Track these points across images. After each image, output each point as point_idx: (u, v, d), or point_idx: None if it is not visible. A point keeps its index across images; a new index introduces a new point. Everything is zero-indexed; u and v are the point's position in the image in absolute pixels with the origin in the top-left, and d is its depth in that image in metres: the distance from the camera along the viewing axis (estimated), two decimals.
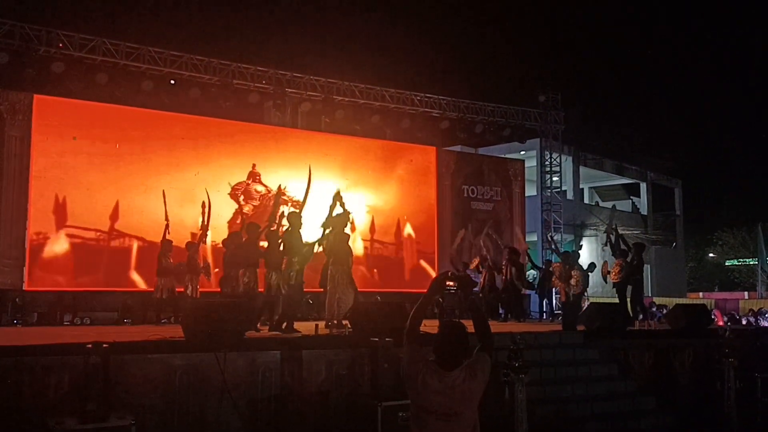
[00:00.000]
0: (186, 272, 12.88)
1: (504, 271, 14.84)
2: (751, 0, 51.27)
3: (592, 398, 9.28)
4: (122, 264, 13.95)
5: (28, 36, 13.64)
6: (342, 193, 11.37)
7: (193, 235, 13.63)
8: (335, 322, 10.07)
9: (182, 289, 12.82)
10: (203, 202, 13.44)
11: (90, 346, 6.07)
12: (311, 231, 10.87)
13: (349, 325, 9.39)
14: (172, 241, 12.90)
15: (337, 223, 10.56)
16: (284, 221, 10.83)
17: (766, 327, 17.33)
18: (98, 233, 13.80)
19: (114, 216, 13.93)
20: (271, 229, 11.02)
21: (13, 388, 6.50)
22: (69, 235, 13.55)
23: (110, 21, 28.94)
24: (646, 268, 14.60)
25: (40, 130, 13.40)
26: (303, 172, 15.27)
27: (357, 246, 16.47)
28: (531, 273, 17.22)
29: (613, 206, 29.06)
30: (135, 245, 14.07)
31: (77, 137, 13.76)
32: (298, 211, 11.07)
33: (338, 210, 10.96)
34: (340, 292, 10.19)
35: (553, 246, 18.51)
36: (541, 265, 16.36)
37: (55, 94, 13.89)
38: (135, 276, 14.02)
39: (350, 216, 11.63)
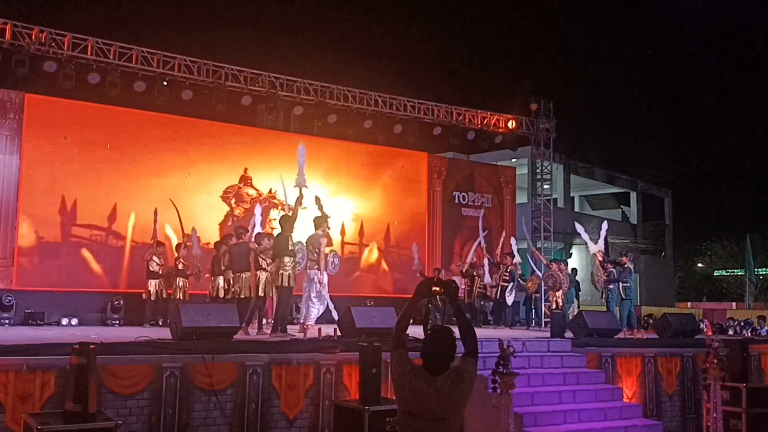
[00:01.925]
0: (175, 275, 12.88)
1: (499, 274, 15.04)
2: (742, 12, 51.68)
3: (579, 406, 9.30)
4: (111, 264, 13.88)
5: (20, 34, 13.56)
6: (333, 198, 11.48)
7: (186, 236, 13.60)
8: (305, 325, 10.14)
9: (171, 292, 12.84)
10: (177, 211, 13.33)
11: (77, 346, 6.05)
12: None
13: (320, 330, 9.60)
14: (164, 244, 12.86)
15: (314, 225, 10.60)
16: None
17: (752, 337, 17.41)
18: (88, 233, 13.74)
19: (103, 216, 13.88)
20: (260, 231, 11.06)
21: None
22: (58, 235, 13.47)
23: (103, 21, 28.87)
24: (635, 277, 14.71)
25: (30, 130, 13.32)
26: (294, 176, 15.33)
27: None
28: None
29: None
30: (124, 246, 14.01)
31: (68, 137, 13.70)
32: (290, 214, 11.08)
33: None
34: (311, 293, 10.24)
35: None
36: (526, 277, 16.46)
37: (46, 94, 13.82)
38: (123, 277, 13.94)
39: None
